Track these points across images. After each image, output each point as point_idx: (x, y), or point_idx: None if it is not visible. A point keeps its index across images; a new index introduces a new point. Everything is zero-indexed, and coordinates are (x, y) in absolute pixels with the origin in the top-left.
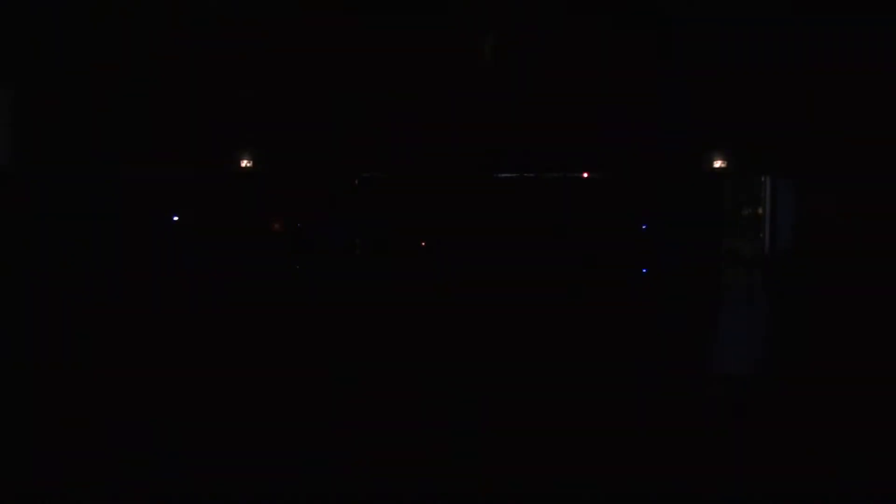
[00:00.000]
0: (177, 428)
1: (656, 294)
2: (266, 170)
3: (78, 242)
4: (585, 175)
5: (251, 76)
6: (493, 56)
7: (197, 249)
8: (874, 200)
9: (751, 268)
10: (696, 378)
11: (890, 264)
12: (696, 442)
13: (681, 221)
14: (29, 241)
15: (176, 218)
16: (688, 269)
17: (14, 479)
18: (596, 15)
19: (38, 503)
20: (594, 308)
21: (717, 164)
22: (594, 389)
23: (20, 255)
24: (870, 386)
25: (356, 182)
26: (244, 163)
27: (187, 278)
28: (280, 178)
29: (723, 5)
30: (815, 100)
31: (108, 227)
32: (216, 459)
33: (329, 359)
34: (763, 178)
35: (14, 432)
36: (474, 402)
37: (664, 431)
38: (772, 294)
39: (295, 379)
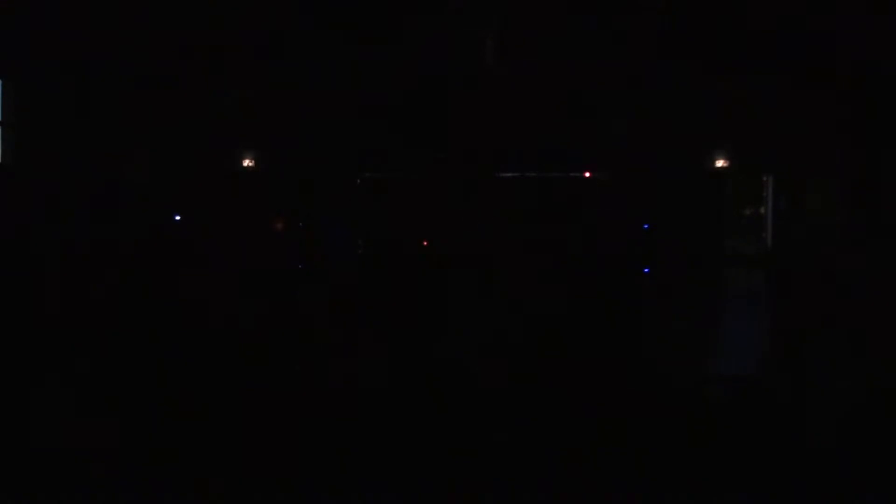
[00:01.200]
0: (176, 428)
1: (657, 294)
2: (266, 170)
3: (77, 241)
4: (586, 175)
5: (251, 76)
6: (493, 56)
7: (198, 249)
8: (874, 200)
9: (751, 267)
10: (696, 378)
11: (889, 263)
12: (695, 442)
13: (681, 221)
14: (28, 239)
15: (177, 217)
16: (688, 269)
17: (13, 480)
18: (596, 15)
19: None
20: (595, 307)
21: (717, 164)
22: (594, 389)
23: (19, 253)
24: (869, 385)
25: (356, 182)
26: (245, 163)
27: (187, 277)
28: (280, 178)
29: (722, 5)
30: (815, 100)
31: (108, 226)
32: (216, 459)
33: (329, 359)
34: (763, 178)
35: (13, 432)
36: (473, 401)
37: (664, 431)
38: (772, 293)
39: (295, 378)
